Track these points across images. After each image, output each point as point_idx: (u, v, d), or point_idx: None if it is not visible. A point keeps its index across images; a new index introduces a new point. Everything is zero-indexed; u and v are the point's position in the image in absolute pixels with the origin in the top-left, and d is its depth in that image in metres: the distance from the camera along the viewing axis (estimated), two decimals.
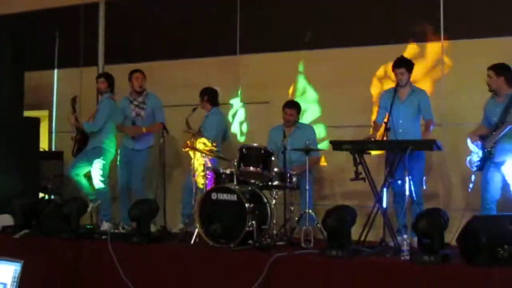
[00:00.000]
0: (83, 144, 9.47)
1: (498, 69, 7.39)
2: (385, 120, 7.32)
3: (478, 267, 5.78)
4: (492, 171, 7.35)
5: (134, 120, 9.18)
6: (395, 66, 7.94)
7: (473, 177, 7.51)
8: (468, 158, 7.50)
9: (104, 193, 9.32)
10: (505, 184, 7.29)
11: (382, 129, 7.71)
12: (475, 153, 7.42)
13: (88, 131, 9.32)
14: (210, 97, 9.30)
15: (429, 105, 7.96)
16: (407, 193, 7.08)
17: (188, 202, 8.66)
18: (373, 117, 8.61)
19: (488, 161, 7.33)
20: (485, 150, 7.33)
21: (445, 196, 8.52)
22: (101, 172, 9.29)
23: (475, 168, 7.47)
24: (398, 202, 7.72)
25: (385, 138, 7.35)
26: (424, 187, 7.80)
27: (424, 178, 7.85)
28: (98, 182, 9.28)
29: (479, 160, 7.40)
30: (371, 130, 8.03)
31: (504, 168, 7.25)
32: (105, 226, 8.86)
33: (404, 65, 7.91)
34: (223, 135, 9.42)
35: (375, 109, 8.59)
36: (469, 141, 7.47)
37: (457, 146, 8.21)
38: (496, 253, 5.79)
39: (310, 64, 9.63)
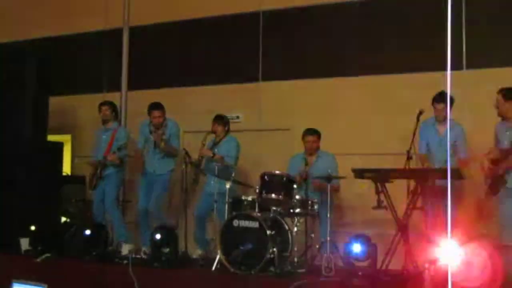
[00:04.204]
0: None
1: (506, 93, 7.37)
2: (407, 149, 7.29)
3: None
4: (506, 197, 7.32)
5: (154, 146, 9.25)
6: (436, 101, 7.88)
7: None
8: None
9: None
10: None
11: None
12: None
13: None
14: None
15: (465, 143, 7.94)
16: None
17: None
18: (395, 145, 8.64)
19: (502, 186, 7.30)
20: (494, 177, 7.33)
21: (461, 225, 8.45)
22: None
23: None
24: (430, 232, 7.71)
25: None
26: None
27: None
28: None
29: (490, 186, 7.41)
30: (419, 163, 7.94)
31: None
32: (125, 248, 8.90)
33: (444, 100, 7.83)
34: None
35: (395, 137, 8.65)
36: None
37: (474, 174, 8.19)
38: None
39: (331, 91, 9.66)
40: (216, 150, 9.05)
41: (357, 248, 6.54)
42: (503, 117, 7.47)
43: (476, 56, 8.84)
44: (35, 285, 5.02)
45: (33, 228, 8.63)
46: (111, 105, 9.78)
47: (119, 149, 9.30)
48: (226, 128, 9.25)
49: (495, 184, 7.34)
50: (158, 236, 7.77)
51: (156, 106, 9.23)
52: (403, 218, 7.12)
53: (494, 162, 7.37)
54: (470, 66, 8.87)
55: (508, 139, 7.32)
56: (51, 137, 10.49)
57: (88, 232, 8.21)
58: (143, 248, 8.78)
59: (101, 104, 9.77)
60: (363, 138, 9.35)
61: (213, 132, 9.17)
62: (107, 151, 9.38)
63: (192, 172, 9.10)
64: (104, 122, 9.69)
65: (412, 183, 7.18)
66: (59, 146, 10.24)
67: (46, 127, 10.17)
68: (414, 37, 9.22)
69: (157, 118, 9.18)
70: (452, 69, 8.61)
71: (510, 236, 7.25)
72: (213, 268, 7.43)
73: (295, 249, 7.65)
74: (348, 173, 7.72)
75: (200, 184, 9.34)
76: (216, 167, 8.53)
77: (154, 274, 7.47)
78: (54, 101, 10.54)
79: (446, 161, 7.80)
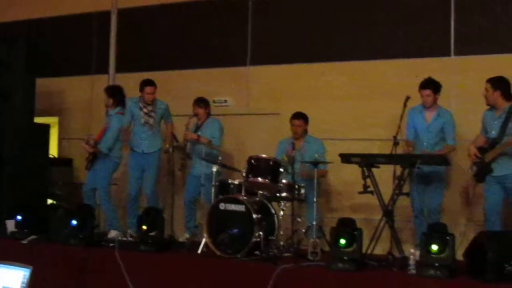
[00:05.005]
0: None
1: (495, 82, 7.34)
2: (394, 134, 7.31)
3: (485, 283, 5.80)
4: (492, 184, 7.32)
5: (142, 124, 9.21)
6: (421, 87, 7.89)
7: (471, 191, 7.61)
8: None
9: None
10: (506, 197, 7.30)
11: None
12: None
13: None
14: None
15: (453, 129, 7.97)
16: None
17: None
18: (382, 130, 8.68)
19: (487, 174, 7.32)
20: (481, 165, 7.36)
21: (448, 211, 8.48)
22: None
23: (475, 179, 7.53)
24: (417, 217, 7.78)
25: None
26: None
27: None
28: None
29: (476, 174, 7.43)
30: (405, 149, 7.97)
31: (506, 182, 7.24)
32: (113, 233, 8.88)
33: (430, 86, 7.87)
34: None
35: (384, 123, 8.67)
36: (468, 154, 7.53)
37: (461, 161, 8.22)
38: (503, 269, 5.81)
39: (320, 76, 9.66)
40: (199, 133, 9.06)
41: (343, 241, 6.56)
42: (492, 106, 7.47)
43: (465, 43, 8.85)
44: (20, 267, 5.00)
45: (19, 217, 8.57)
46: (108, 91, 9.59)
47: (95, 142, 9.25)
48: (208, 111, 9.25)
49: (481, 172, 7.36)
50: (144, 220, 7.76)
51: (149, 82, 9.19)
52: (389, 203, 7.15)
53: (480, 150, 7.39)
54: (458, 52, 8.88)
55: (496, 129, 7.31)
56: (38, 119, 10.43)
57: (74, 215, 8.17)
58: (129, 231, 8.77)
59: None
60: (351, 123, 9.36)
61: (195, 115, 9.16)
62: (98, 137, 9.30)
63: (178, 157, 9.12)
64: (107, 107, 9.62)
65: (398, 169, 7.21)
66: (45, 128, 10.20)
67: (33, 109, 10.11)
68: (403, 23, 9.21)
69: (150, 94, 9.14)
70: (440, 55, 8.74)
71: (495, 223, 7.29)
72: (199, 251, 7.44)
73: (281, 233, 7.70)
74: (336, 158, 7.74)
75: (187, 169, 9.35)
76: (203, 150, 8.54)
77: (140, 257, 7.46)
78: (42, 83, 10.48)
79: (432, 148, 7.86)
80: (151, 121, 9.18)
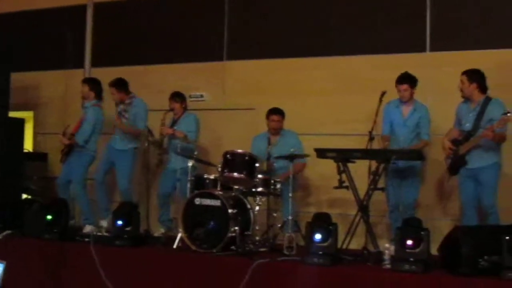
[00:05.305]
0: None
1: (471, 74, 7.38)
2: (370, 129, 7.34)
3: (459, 277, 5.84)
4: (466, 177, 7.38)
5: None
6: (398, 82, 7.89)
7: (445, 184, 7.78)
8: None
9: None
10: (480, 190, 7.34)
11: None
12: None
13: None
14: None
15: (428, 124, 7.99)
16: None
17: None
18: (359, 125, 8.69)
19: (462, 167, 7.36)
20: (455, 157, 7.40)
21: (423, 206, 8.53)
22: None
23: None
24: (392, 212, 7.81)
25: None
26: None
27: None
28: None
29: (450, 167, 7.48)
30: (381, 144, 8.04)
31: (479, 175, 7.28)
32: (88, 228, 8.83)
33: (406, 81, 7.89)
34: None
35: (361, 118, 8.67)
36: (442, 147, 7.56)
37: (435, 156, 8.26)
38: (477, 263, 5.85)
39: (296, 71, 9.66)
40: (175, 127, 9.02)
41: (318, 236, 6.56)
42: (467, 98, 7.50)
43: (440, 39, 8.89)
44: None
45: None
46: (89, 82, 9.49)
47: (71, 134, 9.20)
48: (184, 105, 9.21)
49: (455, 164, 7.40)
50: (119, 214, 7.73)
51: (112, 84, 9.15)
52: (364, 198, 7.17)
53: (454, 142, 7.42)
54: (433, 48, 8.92)
55: (471, 121, 7.35)
56: (13, 114, 10.35)
57: (49, 209, 8.12)
58: (102, 222, 8.71)
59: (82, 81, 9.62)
60: (328, 118, 9.35)
61: (171, 109, 9.13)
62: (74, 129, 9.25)
63: (155, 152, 9.08)
64: (84, 99, 9.54)
65: (374, 164, 7.23)
66: (20, 123, 10.11)
67: (7, 103, 10.03)
68: (380, 19, 9.24)
69: (113, 95, 9.13)
70: (415, 51, 8.78)
71: (471, 216, 7.34)
72: (175, 246, 7.43)
73: (257, 228, 7.69)
74: (313, 153, 7.74)
75: (163, 164, 9.32)
76: (179, 145, 8.52)
77: (115, 252, 7.44)
78: (17, 77, 10.41)
79: (409, 143, 7.88)
80: (123, 120, 9.11)
